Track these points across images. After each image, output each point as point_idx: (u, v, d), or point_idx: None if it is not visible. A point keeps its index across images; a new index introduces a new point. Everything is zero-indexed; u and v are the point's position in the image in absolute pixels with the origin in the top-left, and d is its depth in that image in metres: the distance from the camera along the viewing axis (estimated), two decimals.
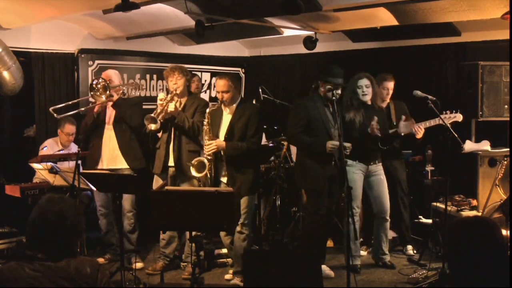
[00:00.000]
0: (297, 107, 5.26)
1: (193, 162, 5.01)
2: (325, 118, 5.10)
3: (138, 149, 5.63)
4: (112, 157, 5.57)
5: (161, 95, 5.26)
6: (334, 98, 4.83)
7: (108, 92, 5.38)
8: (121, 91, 5.65)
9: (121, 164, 5.55)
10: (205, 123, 5.01)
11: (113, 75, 5.71)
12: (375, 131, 5.18)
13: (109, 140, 5.58)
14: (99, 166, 5.57)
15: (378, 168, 5.47)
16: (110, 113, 5.59)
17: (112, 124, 5.58)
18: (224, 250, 5.58)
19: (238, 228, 5.00)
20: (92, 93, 5.40)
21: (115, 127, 5.57)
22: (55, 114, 5.57)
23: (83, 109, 5.87)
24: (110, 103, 5.49)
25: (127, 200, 5.56)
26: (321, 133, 5.07)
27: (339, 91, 5.08)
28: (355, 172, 5.33)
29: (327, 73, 5.09)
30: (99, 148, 5.60)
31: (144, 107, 6.71)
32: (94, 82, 5.41)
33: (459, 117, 5.27)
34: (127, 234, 5.60)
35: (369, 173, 5.42)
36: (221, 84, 5.00)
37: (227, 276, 5.32)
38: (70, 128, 6.13)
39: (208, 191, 3.99)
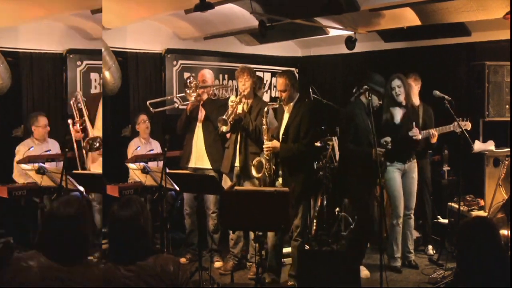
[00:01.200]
0: (347, 114, 5.28)
1: (253, 162, 5.11)
2: (367, 126, 5.05)
3: (221, 150, 5.66)
4: (199, 156, 5.74)
5: (232, 97, 5.33)
6: (369, 98, 4.81)
7: (198, 91, 5.53)
8: (211, 91, 5.75)
9: (206, 164, 5.70)
10: (263, 122, 5.04)
11: (207, 74, 5.87)
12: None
13: (198, 139, 5.75)
14: (189, 165, 5.75)
15: (412, 166, 5.50)
16: (202, 113, 5.72)
17: (202, 123, 5.73)
18: (285, 250, 5.49)
19: (294, 235, 5.05)
20: (185, 89, 5.57)
21: (203, 126, 5.73)
22: (151, 108, 5.81)
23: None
24: (201, 102, 5.63)
25: (212, 201, 5.71)
26: (365, 141, 5.07)
27: (380, 102, 5.17)
28: (394, 171, 5.37)
29: (370, 80, 5.14)
30: (191, 146, 5.79)
31: None
32: (188, 81, 5.57)
33: (468, 126, 5.35)
34: (211, 234, 5.71)
35: (405, 171, 5.44)
36: (279, 82, 5.04)
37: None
38: (43, 119, 6.04)
39: (268, 191, 4.02)
